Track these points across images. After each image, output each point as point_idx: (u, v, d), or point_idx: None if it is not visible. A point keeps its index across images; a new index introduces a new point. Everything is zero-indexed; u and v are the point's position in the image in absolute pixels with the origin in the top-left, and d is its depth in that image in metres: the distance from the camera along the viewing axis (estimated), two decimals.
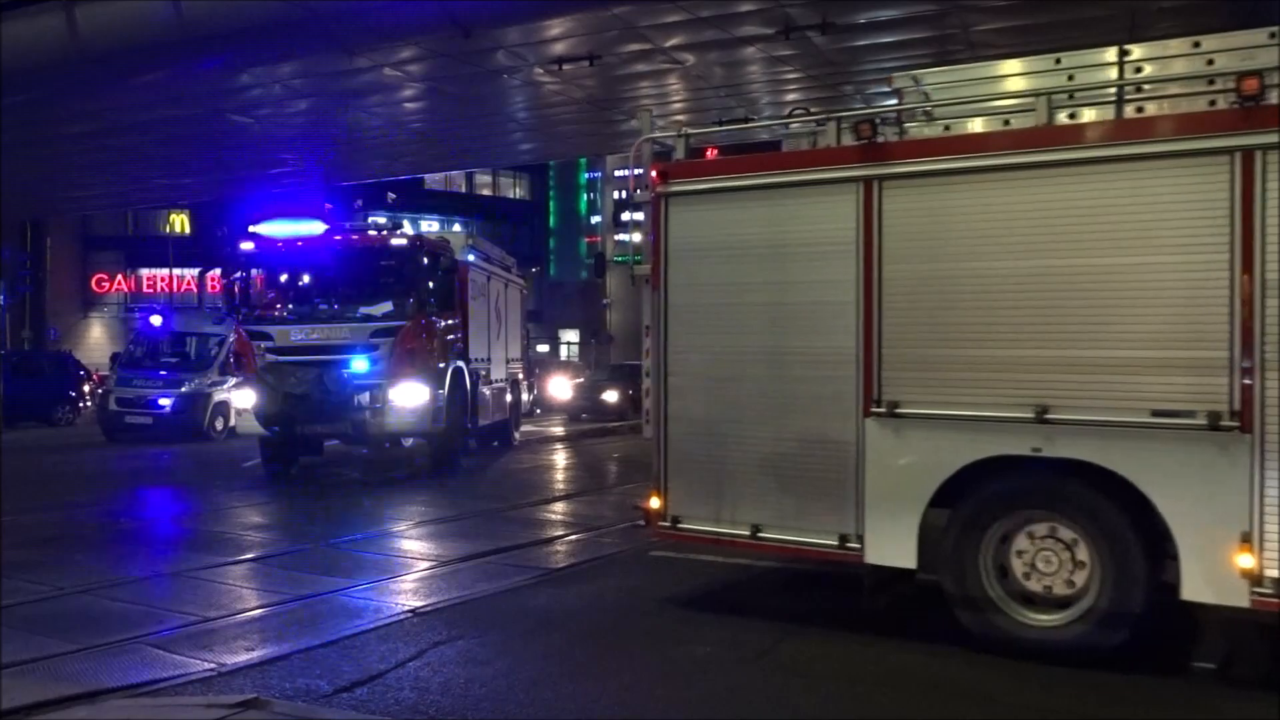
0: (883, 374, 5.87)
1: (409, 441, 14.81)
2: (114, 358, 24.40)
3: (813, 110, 9.11)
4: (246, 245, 14.64)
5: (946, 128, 6.08)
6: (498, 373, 17.66)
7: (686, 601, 7.14)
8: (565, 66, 20.21)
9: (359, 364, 13.38)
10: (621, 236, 69.48)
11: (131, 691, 5.12)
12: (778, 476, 6.20)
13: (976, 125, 6.04)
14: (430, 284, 14.35)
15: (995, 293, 5.59)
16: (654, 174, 6.70)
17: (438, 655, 5.78)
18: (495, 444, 18.19)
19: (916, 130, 6.21)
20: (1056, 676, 5.37)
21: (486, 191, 61.95)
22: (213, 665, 5.58)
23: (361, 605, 7.03)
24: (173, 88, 21.48)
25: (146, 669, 5.52)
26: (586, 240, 69.31)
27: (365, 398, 13.37)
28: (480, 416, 16.27)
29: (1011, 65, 6.23)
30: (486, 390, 16.71)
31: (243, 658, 5.75)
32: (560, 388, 30.11)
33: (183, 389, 20.71)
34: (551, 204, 68.70)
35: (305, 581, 7.73)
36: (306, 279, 14.58)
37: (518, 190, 64.29)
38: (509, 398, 18.77)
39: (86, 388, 26.19)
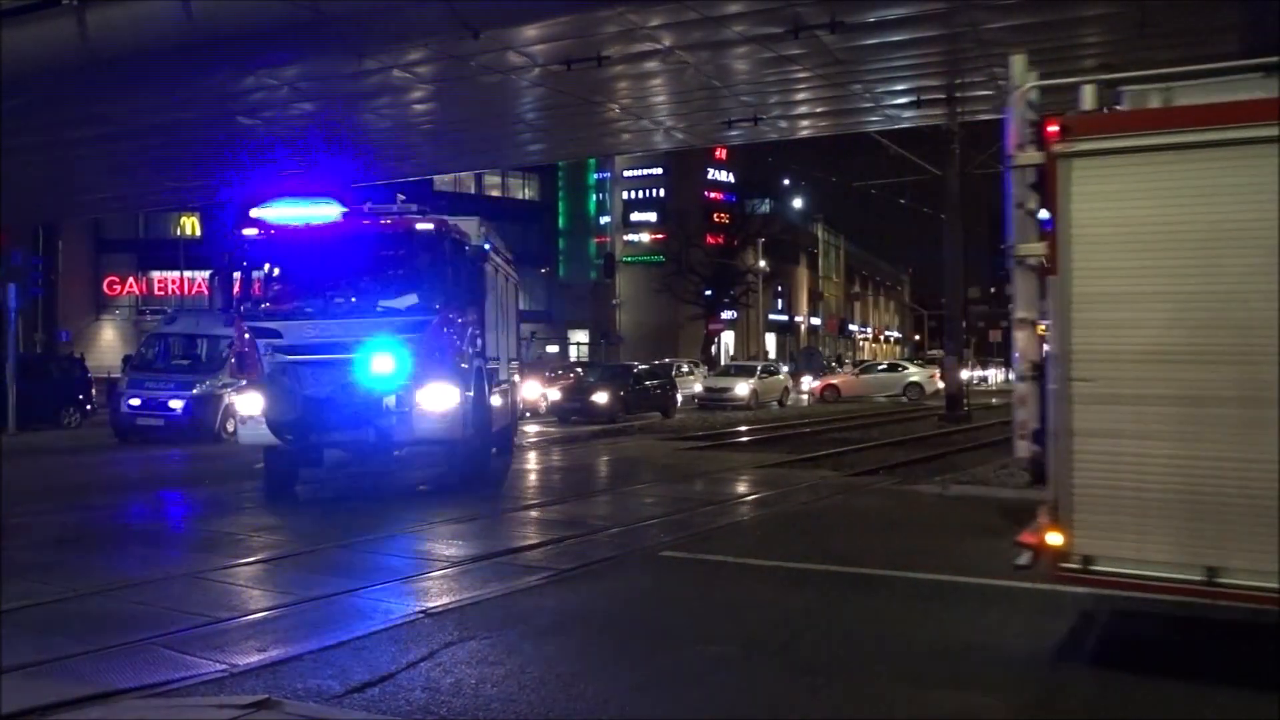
0: None
1: (399, 452, 13.67)
2: (126, 360, 24.50)
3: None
4: (249, 231, 12.72)
5: None
6: (503, 373, 16.65)
7: (698, 601, 7.13)
8: (573, 67, 20.23)
9: (383, 364, 11.95)
10: (630, 237, 69.66)
11: (144, 692, 5.13)
12: (1249, 508, 4.87)
13: None
14: (456, 274, 12.87)
15: None
16: (1050, 129, 5.31)
17: (449, 656, 5.78)
18: (494, 450, 16.45)
19: None
20: (1064, 674, 5.34)
21: (495, 192, 62.09)
22: (225, 666, 5.59)
23: (372, 606, 7.03)
24: (182, 90, 21.58)
25: (159, 670, 5.53)
26: (596, 241, 69.43)
27: (392, 401, 12.00)
28: (495, 420, 15.13)
29: None
30: (497, 391, 15.61)
31: (254, 658, 5.76)
32: (535, 390, 27.56)
33: (194, 391, 20.78)
34: (561, 205, 68.80)
35: (316, 582, 7.74)
36: (318, 269, 12.95)
37: (527, 191, 64.45)
38: (509, 399, 17.50)
39: (93, 391, 26.26)
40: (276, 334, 12.24)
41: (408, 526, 10.42)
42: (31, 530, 10.06)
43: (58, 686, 5.15)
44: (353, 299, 12.62)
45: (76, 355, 29.44)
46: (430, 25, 18.06)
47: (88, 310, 50.66)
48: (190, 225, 50.77)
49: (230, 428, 20.94)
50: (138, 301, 52.31)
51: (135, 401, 20.93)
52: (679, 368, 37.25)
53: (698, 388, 34.30)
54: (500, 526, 10.56)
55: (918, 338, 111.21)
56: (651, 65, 21.20)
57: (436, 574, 8.13)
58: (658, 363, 35.30)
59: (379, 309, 12.43)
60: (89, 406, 25.19)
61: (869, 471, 15.00)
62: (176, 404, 20.67)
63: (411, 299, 12.52)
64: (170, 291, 51.07)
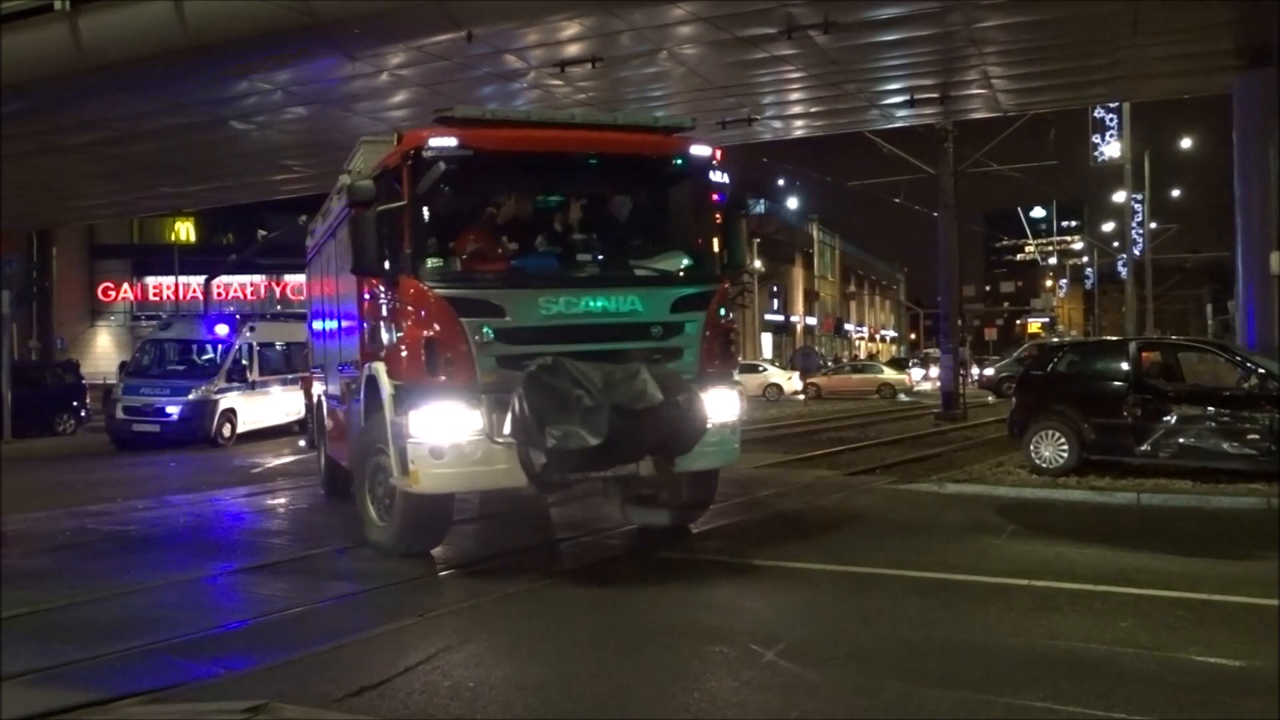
0: None
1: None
2: (121, 366, 24.45)
3: None
4: (439, 140, 7.83)
5: None
6: None
7: (696, 602, 7.13)
8: (568, 68, 20.22)
9: (670, 352, 8.23)
10: None
11: (143, 697, 5.13)
12: None
13: None
14: (730, 223, 8.97)
15: None
16: None
17: (447, 659, 5.78)
18: None
19: None
20: (1064, 672, 5.35)
21: None
22: (223, 670, 5.60)
23: (372, 609, 7.04)
24: (175, 95, 21.54)
25: (158, 675, 5.54)
26: None
27: (689, 414, 7.88)
28: None
29: None
30: None
31: (253, 662, 5.76)
32: None
33: (190, 396, 20.75)
34: None
35: (316, 586, 7.74)
36: (541, 207, 8.79)
37: None
38: None
39: (89, 397, 26.18)
40: (496, 309, 7.86)
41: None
42: (31, 537, 10.04)
43: (56, 694, 5.14)
44: (595, 256, 8.51)
45: (71, 361, 29.37)
46: (422, 26, 18.06)
47: (82, 316, 50.55)
48: (185, 231, 50.70)
49: (227, 432, 20.92)
50: (132, 307, 52.23)
51: (131, 407, 20.89)
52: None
53: None
54: (498, 528, 10.54)
55: (914, 336, 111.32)
56: (646, 68, 21.20)
57: (435, 576, 8.13)
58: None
59: (637, 272, 8.53)
60: (84, 413, 25.11)
61: (865, 471, 14.99)
62: (172, 410, 20.63)
63: (681, 259, 8.66)
64: (165, 297, 50.98)
